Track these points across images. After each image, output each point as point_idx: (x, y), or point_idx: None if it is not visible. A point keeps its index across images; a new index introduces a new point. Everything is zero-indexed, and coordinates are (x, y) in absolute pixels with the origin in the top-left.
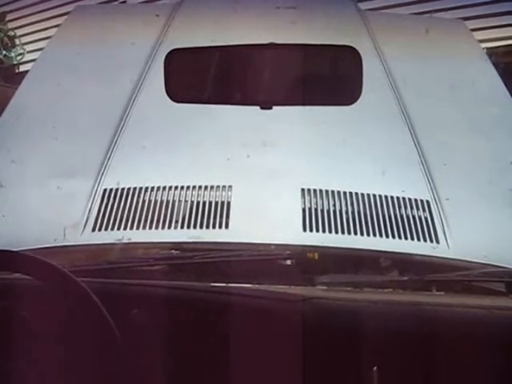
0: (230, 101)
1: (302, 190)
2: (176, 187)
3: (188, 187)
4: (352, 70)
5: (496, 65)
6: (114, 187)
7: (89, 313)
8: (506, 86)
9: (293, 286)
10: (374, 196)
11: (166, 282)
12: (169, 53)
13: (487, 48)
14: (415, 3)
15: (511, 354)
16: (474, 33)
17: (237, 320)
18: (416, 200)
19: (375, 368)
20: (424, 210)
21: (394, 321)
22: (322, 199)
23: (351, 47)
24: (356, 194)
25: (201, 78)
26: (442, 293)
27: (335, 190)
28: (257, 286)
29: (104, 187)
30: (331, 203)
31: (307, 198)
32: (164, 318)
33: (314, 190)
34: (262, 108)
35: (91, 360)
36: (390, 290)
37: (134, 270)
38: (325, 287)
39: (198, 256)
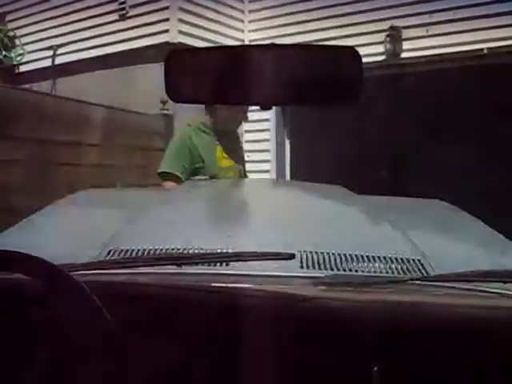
0: (230, 101)
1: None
2: None
3: None
4: (352, 70)
5: (497, 65)
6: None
7: (88, 313)
8: (506, 86)
9: (293, 286)
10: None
11: (167, 282)
12: (169, 53)
13: (487, 48)
14: (416, 3)
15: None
16: (475, 33)
17: (237, 320)
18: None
19: (375, 368)
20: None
21: (394, 321)
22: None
23: (351, 48)
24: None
25: (201, 78)
26: (442, 293)
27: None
28: (257, 285)
29: None
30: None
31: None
32: (164, 318)
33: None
34: (261, 108)
35: (91, 360)
36: (391, 290)
37: (135, 269)
38: (325, 287)
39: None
